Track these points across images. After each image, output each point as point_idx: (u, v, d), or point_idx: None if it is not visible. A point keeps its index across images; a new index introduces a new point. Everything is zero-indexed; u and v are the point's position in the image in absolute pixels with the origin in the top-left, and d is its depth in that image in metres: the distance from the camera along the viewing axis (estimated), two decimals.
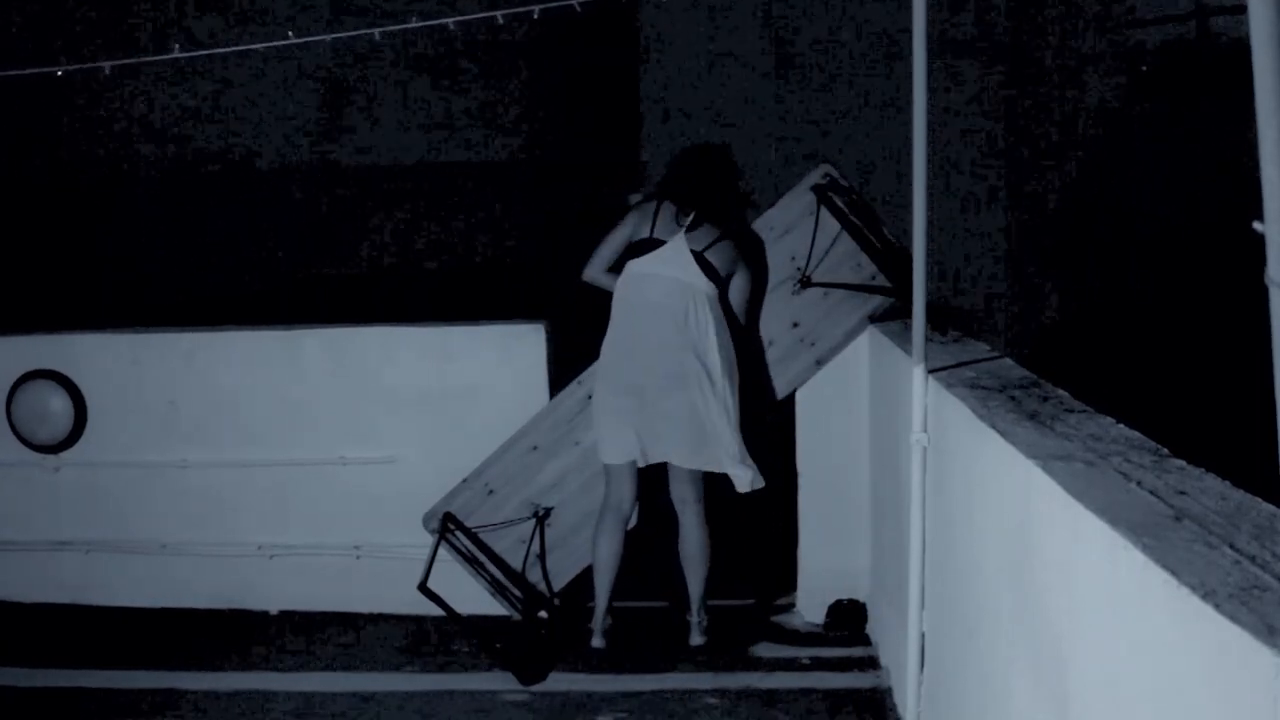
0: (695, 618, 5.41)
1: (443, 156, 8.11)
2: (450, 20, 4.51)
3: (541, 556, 5.51)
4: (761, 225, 5.47)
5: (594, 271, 5.29)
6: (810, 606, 5.73)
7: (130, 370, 6.00)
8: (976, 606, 3.43)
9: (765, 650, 5.41)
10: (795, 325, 5.43)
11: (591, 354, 5.40)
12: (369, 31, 4.56)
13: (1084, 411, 3.35)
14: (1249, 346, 2.79)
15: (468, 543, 5.41)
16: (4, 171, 8.02)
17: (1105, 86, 7.68)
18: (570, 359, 5.65)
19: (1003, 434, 3.08)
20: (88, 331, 6.21)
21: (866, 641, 5.49)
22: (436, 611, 5.82)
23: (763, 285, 5.42)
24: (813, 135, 7.84)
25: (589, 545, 5.42)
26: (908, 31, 3.80)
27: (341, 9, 7.73)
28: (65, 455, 6.02)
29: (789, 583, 5.86)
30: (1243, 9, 2.04)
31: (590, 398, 5.36)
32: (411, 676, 5.18)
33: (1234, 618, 1.72)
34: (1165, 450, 2.84)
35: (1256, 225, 2.00)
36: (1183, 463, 2.71)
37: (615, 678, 5.12)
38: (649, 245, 5.19)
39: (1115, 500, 2.40)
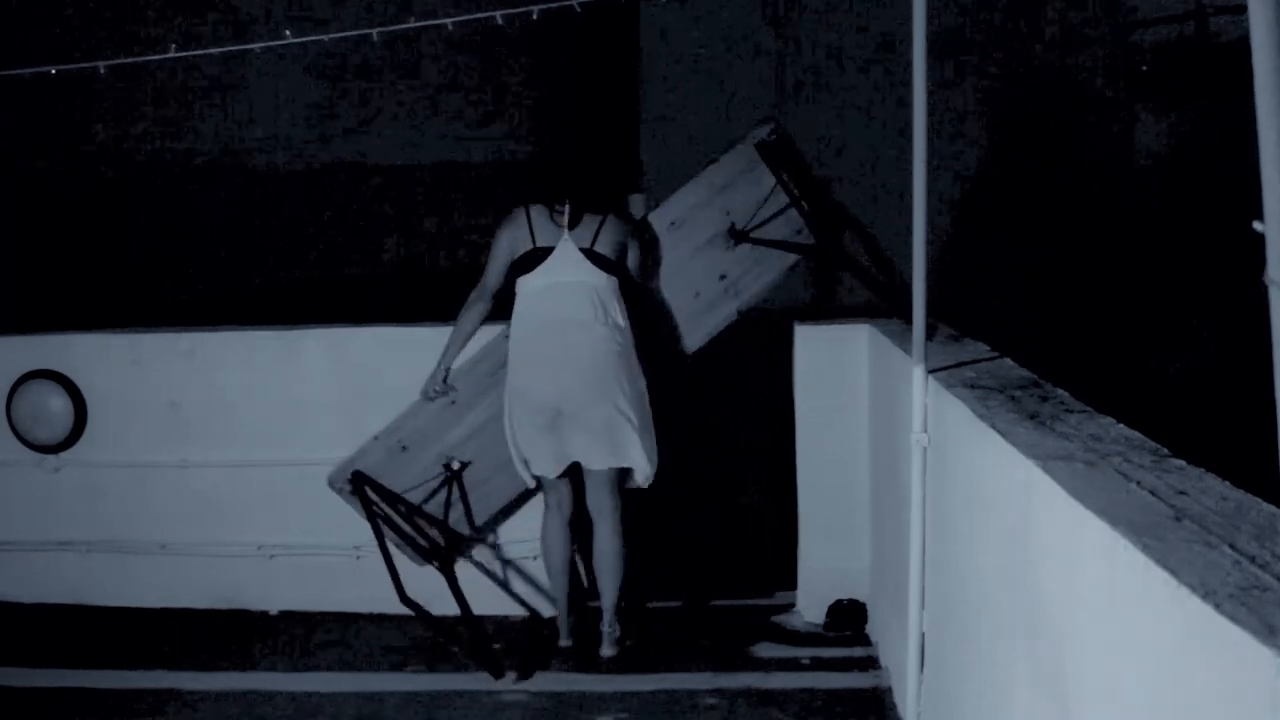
0: (607, 628, 5.28)
1: (443, 156, 8.11)
2: (449, 20, 4.51)
3: (466, 507, 5.42)
4: (702, 180, 5.43)
5: (483, 302, 5.15)
6: (810, 606, 5.74)
7: (130, 370, 6.00)
8: (976, 606, 3.43)
9: (765, 650, 5.41)
10: (723, 277, 5.40)
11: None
12: (368, 31, 4.57)
13: (1084, 412, 3.35)
14: (1249, 348, 2.79)
15: (379, 500, 5.29)
16: (3, 171, 8.02)
17: (1104, 86, 7.68)
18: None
19: (1003, 434, 3.08)
20: (88, 331, 6.21)
21: (866, 641, 5.49)
22: (437, 611, 5.83)
23: (654, 253, 5.35)
24: (813, 135, 7.83)
25: (505, 487, 5.37)
26: (908, 29, 3.80)
27: (341, 8, 7.73)
28: (65, 455, 6.02)
29: (789, 583, 5.86)
30: (1243, 9, 2.04)
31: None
32: (411, 676, 5.18)
33: (1234, 618, 1.72)
34: (1165, 450, 2.84)
35: (1256, 225, 2.00)
36: (1183, 463, 2.71)
37: (615, 678, 5.12)
38: (536, 256, 5.05)
39: (1115, 500, 2.40)
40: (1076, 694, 2.52)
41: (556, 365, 5.01)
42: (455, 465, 5.39)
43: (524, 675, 5.13)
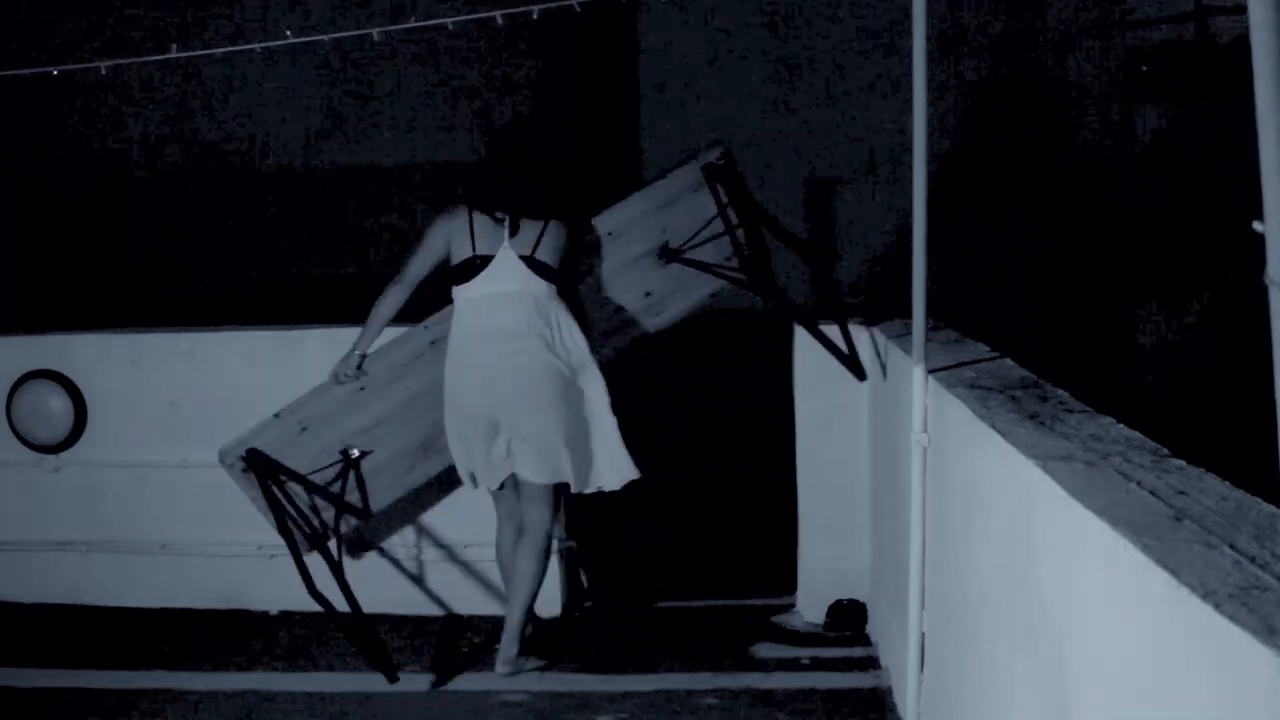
0: (505, 645, 5.06)
1: (443, 156, 8.10)
2: (449, 20, 4.50)
3: (362, 495, 5.25)
4: (645, 195, 5.34)
5: (403, 291, 5.03)
6: (810, 606, 5.73)
7: (130, 370, 6.00)
8: (976, 606, 3.43)
9: (765, 650, 5.41)
10: (647, 294, 5.31)
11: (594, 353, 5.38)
12: (368, 31, 4.56)
13: (1084, 412, 3.35)
14: (1253, 351, 2.79)
15: (269, 482, 5.12)
16: (3, 171, 8.02)
17: (1103, 86, 7.68)
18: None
19: (1003, 434, 3.08)
20: (88, 331, 6.21)
21: (866, 641, 5.49)
22: (436, 611, 5.83)
23: (592, 252, 5.25)
24: (813, 133, 7.83)
25: (402, 477, 5.27)
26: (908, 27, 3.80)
27: (342, 8, 7.73)
28: (65, 455, 6.02)
29: (789, 583, 5.86)
30: (1243, 9, 2.04)
31: (433, 343, 5.12)
32: (411, 676, 5.18)
33: (1234, 618, 1.72)
34: (1165, 450, 2.84)
35: (1256, 225, 2.00)
36: (1183, 463, 2.71)
37: (615, 678, 5.11)
38: (475, 265, 4.93)
39: (1115, 500, 2.40)
40: (1076, 694, 2.52)
41: (493, 375, 4.89)
42: (354, 454, 5.20)
43: (442, 681, 5.05)
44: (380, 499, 5.31)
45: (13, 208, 7.99)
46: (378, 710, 4.88)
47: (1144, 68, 7.68)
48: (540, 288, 4.91)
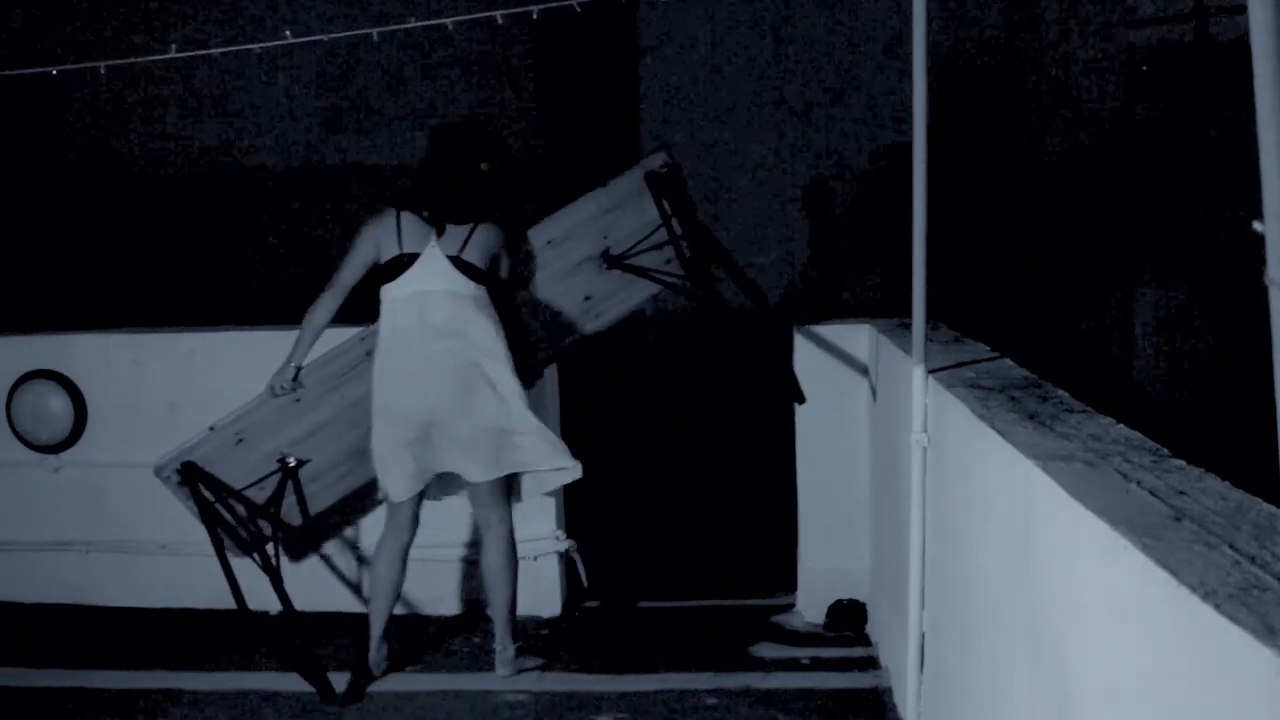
0: (500, 646, 5.07)
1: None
2: (449, 20, 4.50)
3: (300, 501, 5.26)
4: (588, 201, 5.32)
5: (335, 298, 4.97)
6: (810, 606, 5.74)
7: (130, 370, 6.00)
8: (976, 606, 3.43)
9: (765, 650, 5.41)
10: (587, 299, 5.31)
11: (596, 353, 5.38)
12: (368, 31, 4.56)
13: (1084, 411, 3.35)
14: (1253, 350, 2.79)
15: (207, 493, 5.12)
16: (3, 171, 8.02)
17: (1103, 86, 7.68)
18: (572, 356, 5.64)
19: (1003, 434, 3.08)
20: (88, 331, 6.21)
21: (866, 641, 5.49)
22: (437, 611, 5.84)
23: (529, 261, 5.23)
24: (813, 133, 7.84)
25: (338, 482, 5.29)
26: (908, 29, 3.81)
27: (342, 7, 7.73)
28: (65, 455, 6.02)
29: (789, 583, 5.86)
30: (1243, 9, 2.04)
31: (369, 354, 5.06)
32: (411, 676, 5.18)
33: (1234, 618, 1.72)
34: (1165, 450, 2.84)
35: (1256, 225, 2.00)
36: (1183, 463, 2.71)
37: (615, 678, 5.12)
38: (403, 263, 4.89)
39: (1115, 500, 2.40)
40: (1076, 694, 2.52)
41: (422, 377, 4.85)
42: (291, 462, 5.22)
43: (352, 695, 4.99)
44: (317, 504, 5.33)
45: (13, 208, 7.99)
46: (378, 710, 4.87)
47: (1144, 68, 7.68)
48: (468, 288, 4.86)
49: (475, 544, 5.82)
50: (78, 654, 5.52)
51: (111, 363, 6.02)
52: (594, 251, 5.30)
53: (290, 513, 5.29)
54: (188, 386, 5.92)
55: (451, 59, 7.91)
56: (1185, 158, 7.64)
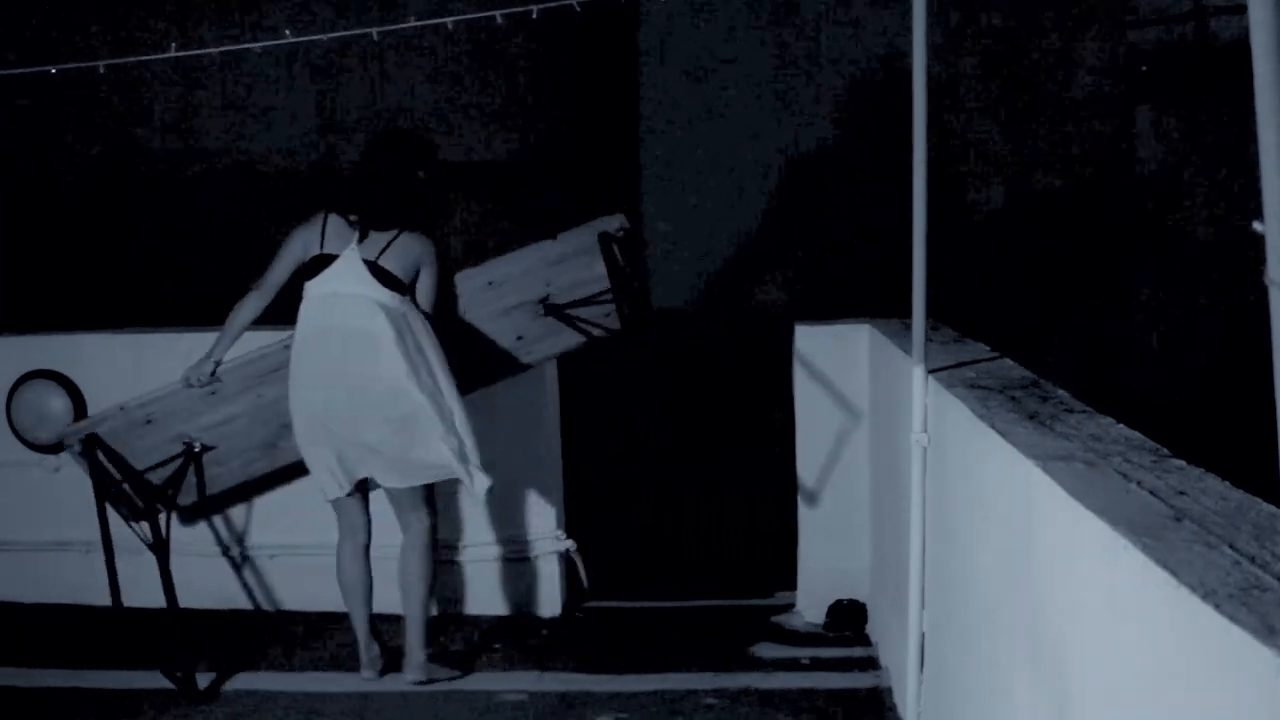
0: (410, 650, 4.99)
1: (442, 156, 8.10)
2: (449, 20, 4.51)
3: (199, 483, 5.36)
4: (535, 251, 5.41)
5: (261, 298, 4.98)
6: (810, 606, 5.74)
7: (130, 370, 5.99)
8: (976, 606, 3.43)
9: (765, 650, 5.41)
10: (520, 338, 5.36)
11: (596, 353, 5.38)
12: (367, 31, 4.56)
13: (1084, 412, 3.35)
14: (1253, 350, 2.79)
15: (111, 467, 5.21)
16: (3, 171, 8.02)
17: (1103, 85, 7.68)
18: (572, 357, 5.63)
19: (1003, 434, 3.08)
20: (88, 331, 6.20)
21: (866, 641, 5.49)
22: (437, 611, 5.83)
23: (450, 272, 5.21)
24: (814, 135, 7.84)
25: (242, 468, 5.36)
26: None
27: (342, 7, 7.72)
28: (65, 455, 6.01)
29: (789, 583, 5.86)
30: (1243, 9, 2.04)
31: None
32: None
33: (1234, 618, 1.72)
34: (1165, 450, 2.84)
35: (1256, 225, 1.99)
36: (1183, 463, 2.71)
37: (615, 678, 5.11)
38: (321, 262, 4.88)
39: (1115, 500, 2.40)
40: (1076, 694, 2.52)
41: (331, 378, 4.84)
42: (197, 447, 5.28)
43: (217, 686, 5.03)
44: (216, 486, 5.45)
45: (13, 208, 7.99)
46: (378, 710, 4.87)
47: (1144, 68, 7.68)
48: (382, 294, 4.83)
49: (474, 544, 5.83)
50: (77, 654, 5.51)
51: (112, 363, 6.01)
52: (534, 297, 5.34)
53: (188, 493, 5.39)
54: None
55: (451, 59, 7.91)
56: (1184, 157, 7.64)
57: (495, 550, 5.83)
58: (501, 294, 5.33)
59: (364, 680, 5.07)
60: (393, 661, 5.15)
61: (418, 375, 4.81)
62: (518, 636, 5.59)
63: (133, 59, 5.12)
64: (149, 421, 5.27)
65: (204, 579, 5.92)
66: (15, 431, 6.02)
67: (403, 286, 4.88)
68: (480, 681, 5.10)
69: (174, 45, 4.64)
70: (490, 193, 8.08)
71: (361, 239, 4.88)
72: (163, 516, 5.25)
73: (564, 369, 5.94)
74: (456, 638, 5.59)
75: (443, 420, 4.82)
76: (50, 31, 7.81)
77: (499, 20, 4.34)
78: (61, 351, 6.03)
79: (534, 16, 4.15)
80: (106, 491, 5.21)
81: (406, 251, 4.89)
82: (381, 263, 4.84)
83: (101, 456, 5.20)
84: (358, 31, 4.87)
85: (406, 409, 4.80)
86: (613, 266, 5.32)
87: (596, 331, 5.37)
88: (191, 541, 5.92)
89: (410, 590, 4.98)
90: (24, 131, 7.96)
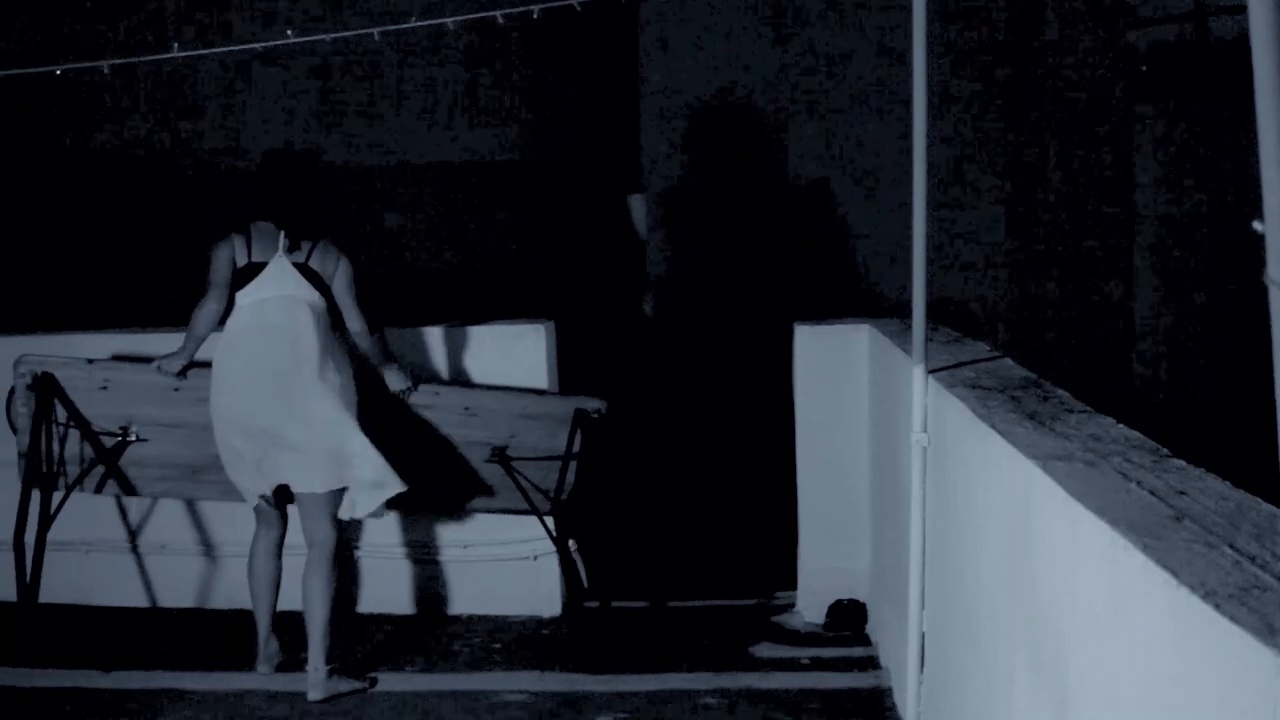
0: (313, 667, 4.89)
1: (442, 156, 8.11)
2: (449, 20, 4.51)
3: (109, 472, 5.47)
4: (519, 398, 5.56)
5: (214, 302, 4.98)
6: (810, 606, 5.73)
7: None
8: (976, 606, 3.43)
9: (765, 650, 5.41)
10: (465, 477, 5.54)
11: (595, 353, 5.38)
12: (368, 31, 4.56)
13: (1084, 411, 3.35)
14: (1253, 350, 2.78)
15: (62, 409, 5.30)
16: (3, 171, 8.03)
17: (1103, 85, 7.69)
18: (573, 358, 5.64)
19: (1003, 434, 3.08)
20: (88, 332, 6.20)
21: (866, 641, 5.49)
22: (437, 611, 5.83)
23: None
24: (813, 136, 7.85)
25: (154, 483, 5.48)
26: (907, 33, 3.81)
27: (342, 7, 7.73)
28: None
29: (789, 583, 5.86)
30: (1243, 9, 2.04)
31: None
32: (411, 676, 5.18)
33: (1234, 618, 1.72)
34: (1165, 450, 2.84)
35: (1256, 225, 1.99)
36: (1183, 463, 2.71)
37: (615, 678, 5.11)
38: (250, 272, 4.94)
39: (1115, 500, 2.40)
40: (1076, 694, 2.52)
41: (252, 379, 4.88)
42: (132, 436, 5.36)
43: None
44: (119, 490, 5.56)
45: (12, 208, 7.99)
46: (378, 709, 4.87)
47: (1144, 67, 7.68)
48: (312, 295, 4.92)
49: (475, 545, 5.83)
50: (77, 654, 5.51)
51: None
52: (493, 440, 5.51)
53: (92, 479, 5.49)
54: None
55: (452, 59, 7.92)
56: (1184, 156, 7.64)
57: (495, 550, 5.83)
58: (469, 425, 5.49)
59: (260, 676, 5.08)
60: (391, 659, 5.16)
61: (340, 375, 4.94)
62: (518, 636, 5.59)
63: (133, 59, 5.13)
64: (104, 388, 5.34)
65: (205, 579, 5.93)
66: (15, 431, 6.01)
67: (327, 290, 4.98)
68: (480, 681, 5.10)
69: (174, 45, 4.64)
70: (491, 193, 8.08)
71: (290, 245, 4.95)
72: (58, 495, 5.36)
73: (563, 369, 5.94)
74: (457, 638, 5.59)
75: (356, 425, 4.90)
76: (50, 30, 7.82)
77: (499, 20, 4.34)
78: (59, 351, 6.02)
79: (534, 16, 4.16)
80: (39, 442, 5.28)
81: (324, 257, 4.99)
82: (310, 264, 4.95)
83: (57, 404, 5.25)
84: (359, 32, 4.87)
85: (328, 409, 4.87)
86: (570, 447, 5.49)
87: (521, 504, 5.52)
88: (188, 541, 5.93)
89: (314, 605, 4.93)
90: (24, 131, 7.97)
